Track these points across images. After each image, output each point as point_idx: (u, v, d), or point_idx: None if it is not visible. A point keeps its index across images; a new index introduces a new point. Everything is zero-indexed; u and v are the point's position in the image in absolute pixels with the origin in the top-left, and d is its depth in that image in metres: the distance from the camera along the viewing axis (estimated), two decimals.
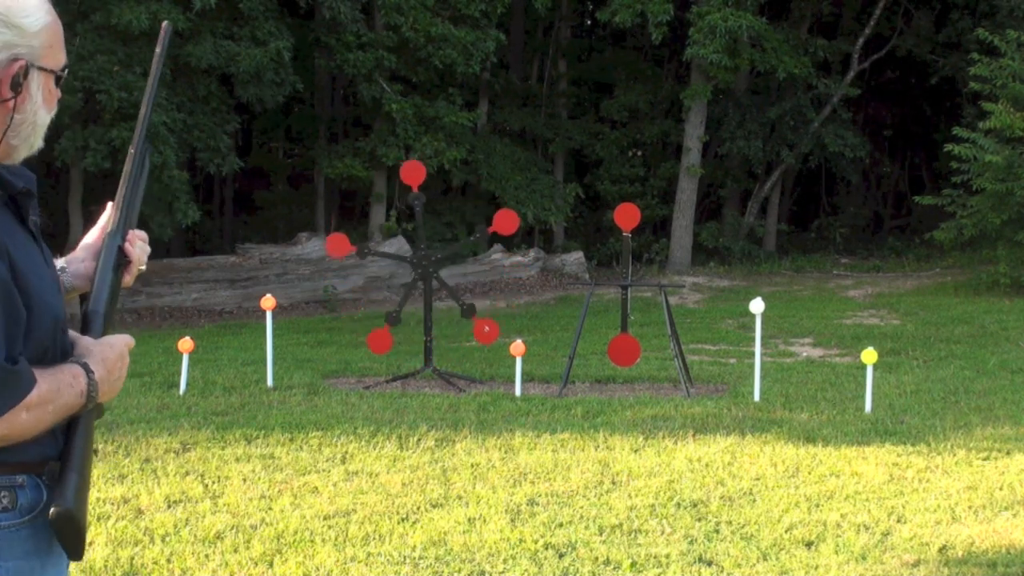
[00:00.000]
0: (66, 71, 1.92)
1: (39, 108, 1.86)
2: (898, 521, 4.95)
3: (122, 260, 2.01)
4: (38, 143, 1.90)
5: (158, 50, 2.07)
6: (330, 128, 20.17)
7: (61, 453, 1.82)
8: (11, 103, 1.81)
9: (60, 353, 1.84)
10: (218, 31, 14.45)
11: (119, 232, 2.01)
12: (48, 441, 1.81)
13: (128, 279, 2.04)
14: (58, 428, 1.82)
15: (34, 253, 1.84)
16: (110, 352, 1.89)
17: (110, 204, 2.04)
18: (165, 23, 2.09)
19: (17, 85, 1.80)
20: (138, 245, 2.05)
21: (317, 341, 11.82)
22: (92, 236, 2.06)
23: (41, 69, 1.84)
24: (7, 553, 1.76)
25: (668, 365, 9.29)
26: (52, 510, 1.77)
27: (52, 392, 1.75)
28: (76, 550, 1.83)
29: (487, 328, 8.98)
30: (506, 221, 9.06)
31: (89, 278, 2.00)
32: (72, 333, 1.90)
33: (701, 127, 20.49)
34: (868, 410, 7.42)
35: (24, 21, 1.80)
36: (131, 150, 2.04)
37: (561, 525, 4.88)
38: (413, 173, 9.08)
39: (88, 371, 1.82)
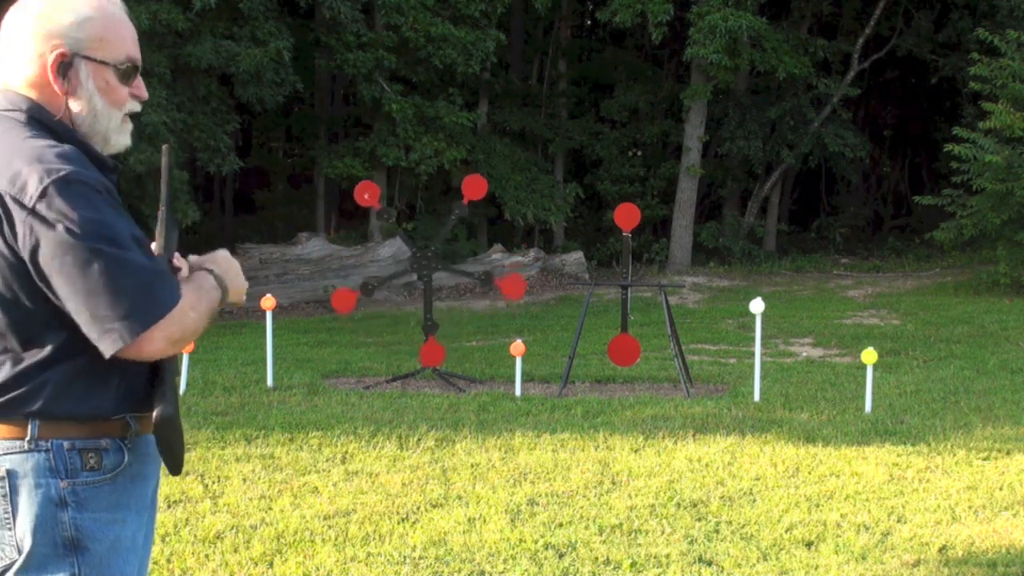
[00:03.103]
0: (129, 65, 2.08)
1: (94, 96, 2.04)
2: (898, 521, 4.95)
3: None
4: (116, 140, 2.10)
5: (163, 173, 2.25)
6: (330, 128, 20.17)
7: (153, 381, 2.06)
8: (63, 89, 2.01)
9: None
10: (218, 31, 14.45)
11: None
12: (126, 402, 2.05)
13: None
14: (137, 388, 2.05)
15: None
16: (216, 258, 2.17)
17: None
18: (165, 147, 2.26)
19: (64, 74, 2.00)
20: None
21: (317, 341, 11.82)
22: None
23: (89, 59, 2.02)
24: (93, 505, 2.00)
25: (668, 365, 9.29)
26: (155, 414, 2.03)
27: (197, 293, 2.05)
28: (176, 461, 2.07)
29: (367, 195, 8.91)
30: (475, 186, 8.98)
31: None
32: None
33: (701, 127, 20.49)
34: (868, 410, 7.42)
35: (64, 16, 2.00)
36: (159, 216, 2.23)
37: (561, 525, 4.88)
38: (368, 193, 8.99)
39: (208, 270, 2.12)
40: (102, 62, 2.04)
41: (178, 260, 2.18)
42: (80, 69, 2.02)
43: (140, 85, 2.11)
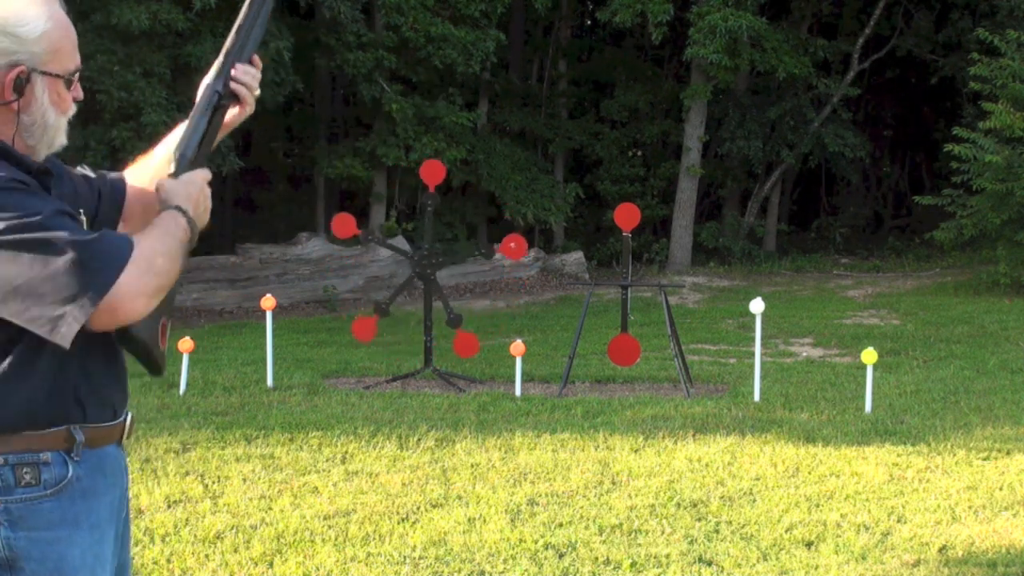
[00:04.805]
0: (76, 74, 2.05)
1: (47, 110, 1.99)
2: (898, 521, 4.95)
3: (220, 102, 2.25)
4: (58, 141, 2.05)
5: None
6: (330, 128, 20.16)
7: (115, 376, 2.08)
8: (15, 105, 1.94)
9: None
10: (218, 31, 14.44)
11: (219, 77, 2.28)
12: (67, 411, 1.96)
13: (243, 110, 2.31)
14: (84, 396, 1.99)
15: None
16: (191, 188, 2.09)
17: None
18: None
19: (19, 89, 1.94)
20: (245, 74, 2.30)
21: (317, 341, 11.82)
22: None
23: (45, 74, 1.97)
24: (28, 524, 1.91)
25: (668, 365, 9.29)
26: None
27: (162, 238, 1.97)
28: (149, 367, 2.11)
29: (513, 244, 8.90)
30: (433, 171, 9.03)
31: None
32: (159, 180, 2.12)
33: (701, 127, 20.49)
34: (868, 410, 7.42)
35: (21, 30, 1.94)
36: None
37: (561, 525, 4.88)
38: (343, 225, 8.99)
39: (181, 211, 2.04)
40: (56, 75, 1.99)
41: (234, 79, 2.24)
42: (36, 84, 1.96)
43: (77, 86, 2.08)
